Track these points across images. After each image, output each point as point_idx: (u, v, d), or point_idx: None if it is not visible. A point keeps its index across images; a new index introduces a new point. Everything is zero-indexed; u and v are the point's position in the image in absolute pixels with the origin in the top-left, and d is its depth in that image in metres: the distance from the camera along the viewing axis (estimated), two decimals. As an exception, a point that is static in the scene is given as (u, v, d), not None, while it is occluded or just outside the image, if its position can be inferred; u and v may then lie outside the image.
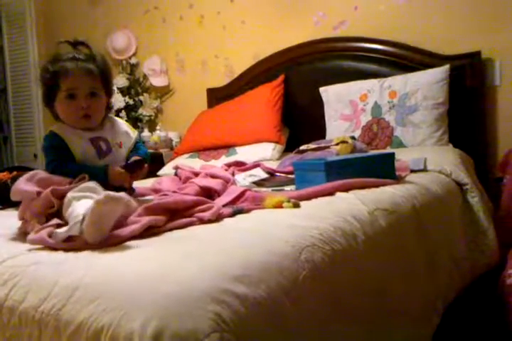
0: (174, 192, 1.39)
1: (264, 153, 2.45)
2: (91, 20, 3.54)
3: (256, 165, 1.99)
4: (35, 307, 0.76)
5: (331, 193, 1.36)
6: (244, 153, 2.48)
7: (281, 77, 2.71)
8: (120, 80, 3.29)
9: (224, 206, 1.23)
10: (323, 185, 1.39)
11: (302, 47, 2.74)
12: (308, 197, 1.31)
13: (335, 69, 2.63)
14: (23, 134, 3.83)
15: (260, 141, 2.53)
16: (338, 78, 2.55)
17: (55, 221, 1.01)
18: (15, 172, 1.71)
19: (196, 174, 1.59)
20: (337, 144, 2.08)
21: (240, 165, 1.98)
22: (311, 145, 2.17)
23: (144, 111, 3.27)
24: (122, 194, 0.93)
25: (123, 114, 3.21)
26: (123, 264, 0.81)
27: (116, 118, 1.37)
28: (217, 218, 1.12)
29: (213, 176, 1.51)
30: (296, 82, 2.73)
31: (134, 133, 1.35)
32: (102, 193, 0.92)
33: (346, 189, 1.40)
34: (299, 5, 2.79)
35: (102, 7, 3.50)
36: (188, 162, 2.57)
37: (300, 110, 2.71)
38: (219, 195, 1.37)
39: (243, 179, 1.78)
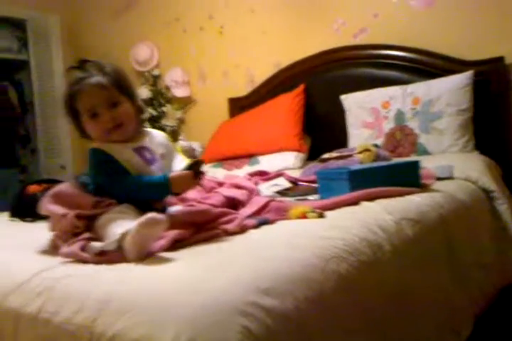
0: (199, 202, 1.41)
1: (287, 161, 2.47)
2: (113, 33, 3.62)
3: (279, 174, 2.00)
4: (69, 320, 0.79)
5: (355, 202, 1.36)
6: (267, 162, 2.50)
7: (301, 86, 2.72)
8: (143, 92, 3.35)
9: (248, 217, 1.24)
10: (348, 195, 1.39)
11: (323, 55, 2.75)
12: (333, 207, 1.31)
13: (356, 77, 2.62)
14: (50, 146, 3.92)
15: (282, 150, 2.55)
16: (360, 86, 2.54)
17: (87, 235, 1.04)
18: (45, 185, 1.75)
19: (220, 184, 1.61)
20: (360, 152, 2.08)
21: (263, 175, 1.99)
22: (334, 154, 2.17)
23: (167, 122, 3.31)
24: (162, 216, 0.95)
25: (147, 124, 3.26)
26: (153, 277, 0.82)
27: (153, 130, 1.34)
28: (242, 229, 1.13)
29: (237, 186, 1.52)
30: (318, 90, 2.74)
31: (172, 145, 1.34)
32: (146, 215, 0.93)
33: (371, 198, 1.40)
34: (319, 13, 2.81)
35: (123, 20, 3.58)
36: (211, 171, 2.59)
37: (322, 118, 2.72)
38: (243, 206, 1.38)
39: (266, 188, 1.79)
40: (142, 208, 1.15)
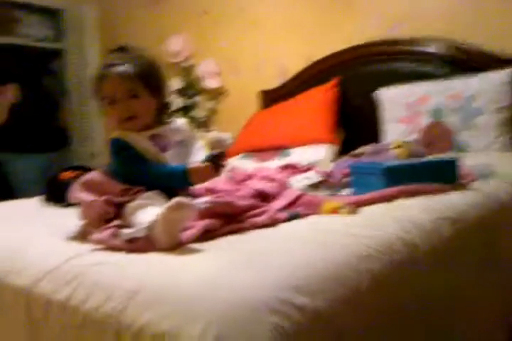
0: (228, 194, 1.40)
1: (318, 154, 2.42)
2: (147, 24, 3.62)
3: (310, 167, 1.97)
4: (98, 308, 0.78)
5: (390, 199, 1.32)
6: (298, 155, 2.46)
7: (334, 80, 2.67)
8: (175, 82, 3.36)
9: (279, 210, 1.22)
10: (382, 191, 1.35)
11: (357, 49, 2.68)
12: (366, 203, 1.28)
13: (391, 71, 2.55)
14: (83, 134, 3.98)
15: (314, 142, 2.50)
16: (395, 80, 2.47)
17: (118, 222, 1.04)
18: (78, 172, 1.76)
19: (250, 176, 1.59)
20: (395, 148, 2.02)
21: (294, 168, 1.96)
22: (368, 148, 2.12)
23: (199, 113, 3.31)
24: (190, 200, 0.94)
25: (180, 114, 3.27)
26: (182, 269, 0.81)
27: (177, 119, 1.33)
28: (273, 222, 1.11)
29: (268, 179, 1.50)
30: (352, 84, 2.68)
31: (194, 134, 1.33)
32: (172, 199, 0.93)
33: (406, 195, 1.35)
34: (355, 6, 2.74)
35: (157, 11, 3.58)
36: (241, 163, 2.58)
37: (355, 112, 2.66)
38: (274, 199, 1.36)
39: (297, 182, 1.76)
40: (169, 194, 1.15)
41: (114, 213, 1.08)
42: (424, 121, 2.29)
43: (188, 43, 3.45)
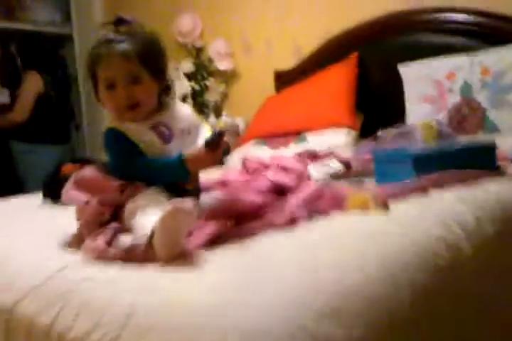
0: (242, 186, 1.26)
1: (337, 139, 2.26)
2: (157, 3, 3.45)
3: (330, 154, 1.82)
4: (87, 335, 0.66)
5: (423, 190, 1.17)
6: (315, 140, 2.31)
7: (354, 55, 2.49)
8: (186, 65, 3.20)
9: (298, 206, 1.08)
10: (413, 182, 1.20)
11: (377, 22, 2.49)
12: (398, 196, 1.13)
13: (415, 45, 2.36)
14: (94, 122, 3.85)
15: (332, 127, 2.34)
16: (419, 55, 2.28)
17: (114, 224, 0.91)
18: (80, 165, 1.64)
19: (266, 166, 1.45)
20: (422, 130, 1.86)
21: (313, 155, 1.82)
22: (391, 131, 1.96)
23: (210, 97, 3.16)
24: (189, 202, 0.80)
25: (189, 99, 3.13)
26: (185, 288, 0.68)
27: (179, 102, 1.20)
28: (292, 223, 0.98)
29: (285, 169, 1.36)
30: (371, 60, 2.49)
31: (200, 121, 1.18)
32: (169, 204, 0.80)
33: (440, 185, 1.20)
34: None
35: (166, -11, 3.40)
36: (254, 149, 2.44)
37: (375, 92, 2.48)
38: (292, 192, 1.22)
39: (317, 171, 1.62)
40: (172, 190, 1.02)
41: (111, 213, 0.96)
42: (452, 99, 2.11)
43: (199, 22, 3.28)
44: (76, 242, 0.95)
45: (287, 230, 0.93)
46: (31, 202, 1.51)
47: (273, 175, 1.29)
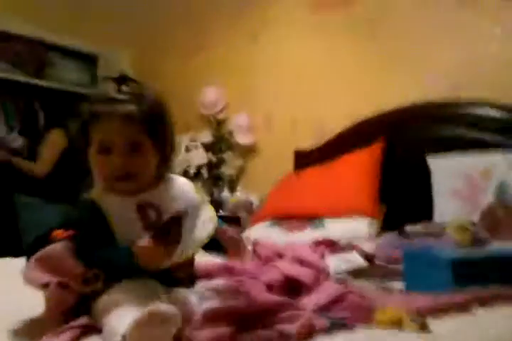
0: (252, 277, 1.07)
1: (358, 229, 2.09)
2: (183, 74, 3.47)
3: (350, 245, 1.64)
4: None
5: (464, 306, 0.97)
6: (334, 227, 2.13)
7: (381, 141, 2.38)
8: (205, 136, 3.14)
9: (314, 312, 0.88)
10: (455, 295, 1.01)
11: (408, 110, 2.41)
12: (435, 311, 0.93)
13: (445, 137, 2.27)
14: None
15: (353, 214, 2.17)
16: (449, 148, 2.19)
17: (84, 320, 0.72)
18: (71, 231, 1.47)
19: (280, 255, 1.27)
20: (454, 231, 1.68)
21: (332, 245, 1.63)
22: (420, 228, 1.79)
23: (226, 170, 3.05)
24: (170, 308, 0.63)
25: (204, 170, 3.02)
26: None
27: (179, 177, 1.02)
28: (308, 333, 0.78)
29: (302, 261, 1.17)
30: (399, 148, 2.39)
31: (203, 201, 0.99)
32: (147, 306, 0.62)
33: (485, 302, 1.00)
34: (409, 60, 2.48)
35: (194, 61, 3.43)
36: (268, 231, 2.26)
37: (401, 181, 2.34)
38: (308, 291, 1.03)
39: (336, 265, 1.43)
40: (159, 279, 0.85)
41: (77, 300, 0.78)
42: (485, 199, 1.95)
43: (223, 95, 3.26)
44: (35, 330, 0.76)
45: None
46: (14, 265, 1.32)
47: (287, 268, 1.11)
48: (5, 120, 3.17)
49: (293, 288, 1.06)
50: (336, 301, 0.93)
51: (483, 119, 2.23)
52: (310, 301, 0.94)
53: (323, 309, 0.91)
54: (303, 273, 1.05)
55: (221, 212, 2.79)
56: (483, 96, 2.21)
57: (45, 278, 0.78)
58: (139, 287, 0.78)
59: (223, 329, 0.73)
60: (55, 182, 2.96)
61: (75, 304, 0.78)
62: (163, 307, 0.62)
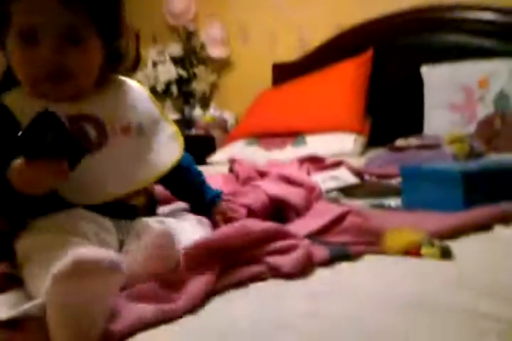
0: (228, 200, 0.90)
1: (343, 145, 1.92)
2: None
3: (338, 162, 1.47)
4: None
5: (484, 225, 0.83)
6: (316, 144, 1.96)
7: (369, 51, 2.15)
8: (175, 49, 2.84)
9: (311, 238, 0.72)
10: (473, 212, 0.86)
11: (401, 15, 2.16)
12: (453, 232, 0.78)
13: (441, 44, 2.05)
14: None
15: (337, 130, 2.00)
16: (445, 56, 1.98)
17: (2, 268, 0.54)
18: None
19: (262, 173, 1.09)
20: (451, 142, 1.53)
21: (318, 162, 1.47)
22: (413, 141, 1.63)
23: (198, 86, 2.79)
24: (104, 252, 0.45)
25: (174, 87, 2.76)
26: None
27: (131, 81, 0.80)
28: (306, 266, 0.62)
29: (288, 180, 1.00)
30: (388, 59, 2.17)
31: (159, 111, 0.78)
32: (69, 253, 0.44)
33: (505, 219, 0.86)
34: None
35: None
36: (245, 150, 2.08)
37: (389, 94, 2.15)
38: (298, 214, 0.87)
39: (322, 182, 1.27)
40: (108, 210, 0.67)
41: None
42: (483, 110, 1.79)
43: (193, 3, 2.91)
44: None
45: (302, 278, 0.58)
46: None
47: (271, 187, 0.94)
48: None
49: (279, 211, 0.90)
50: (333, 223, 0.78)
51: (480, 24, 2.02)
52: (303, 226, 0.78)
53: (318, 234, 0.76)
54: (291, 194, 0.89)
55: (193, 131, 2.58)
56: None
57: None
58: (66, 224, 0.59)
59: (209, 276, 0.56)
60: None
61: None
62: (92, 252, 0.44)
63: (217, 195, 0.86)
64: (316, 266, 0.64)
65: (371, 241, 0.70)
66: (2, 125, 0.66)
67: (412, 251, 0.66)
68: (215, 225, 0.78)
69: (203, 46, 2.85)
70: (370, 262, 0.66)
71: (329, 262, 0.65)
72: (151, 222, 0.61)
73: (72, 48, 0.68)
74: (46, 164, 0.56)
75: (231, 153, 2.07)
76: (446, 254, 0.65)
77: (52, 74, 0.67)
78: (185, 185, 0.84)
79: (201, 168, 0.93)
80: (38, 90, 0.69)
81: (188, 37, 2.91)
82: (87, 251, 0.45)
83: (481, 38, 1.99)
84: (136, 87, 0.79)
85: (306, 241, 0.66)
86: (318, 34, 2.43)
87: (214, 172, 1.45)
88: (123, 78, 0.79)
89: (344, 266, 0.64)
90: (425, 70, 1.98)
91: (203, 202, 0.84)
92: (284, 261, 0.61)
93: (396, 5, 2.17)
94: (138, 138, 0.73)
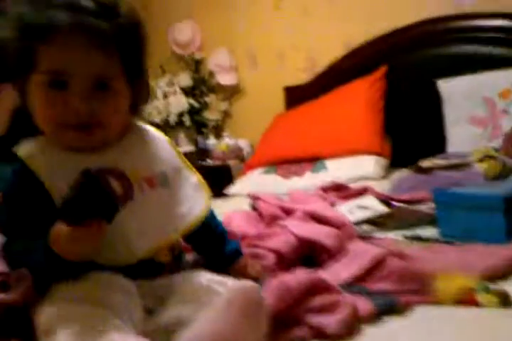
0: (254, 245, 0.84)
1: (364, 168, 1.85)
2: (151, 9, 3.09)
3: (363, 189, 1.41)
4: None
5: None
6: (337, 168, 1.90)
7: (382, 68, 2.10)
8: (183, 79, 2.82)
9: (349, 286, 0.66)
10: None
11: (411, 28, 2.11)
12: (505, 271, 0.71)
13: (458, 56, 1.98)
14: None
15: (357, 153, 1.93)
16: (463, 68, 1.91)
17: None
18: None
19: (287, 211, 1.03)
20: (480, 161, 1.46)
21: (341, 190, 1.40)
22: (438, 161, 1.56)
23: (210, 115, 2.76)
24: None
25: (186, 118, 2.73)
26: None
27: (149, 127, 0.75)
28: (352, 326, 0.56)
29: (316, 217, 0.94)
30: (403, 74, 2.10)
31: (180, 159, 0.73)
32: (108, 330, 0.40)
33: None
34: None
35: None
36: (262, 179, 2.03)
37: (407, 111, 2.08)
38: (330, 256, 0.80)
39: (349, 212, 1.20)
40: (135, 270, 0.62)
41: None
42: (508, 122, 1.71)
43: (198, 31, 2.91)
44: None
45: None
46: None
47: (299, 227, 0.87)
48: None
49: (309, 253, 0.83)
50: (372, 268, 0.71)
51: (496, 32, 1.95)
52: (339, 272, 0.71)
53: (356, 280, 0.69)
54: (322, 234, 0.82)
55: (208, 162, 2.54)
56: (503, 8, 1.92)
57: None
58: (93, 294, 0.53)
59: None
60: (9, 143, 2.66)
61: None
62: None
63: (237, 250, 0.79)
64: (362, 322, 0.58)
65: (418, 290, 0.64)
66: (25, 187, 0.62)
67: (467, 299, 0.59)
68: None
69: (211, 74, 2.84)
70: (422, 315, 0.59)
71: (378, 314, 0.58)
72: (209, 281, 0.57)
73: (101, 94, 0.63)
74: (91, 226, 0.54)
75: (249, 183, 2.02)
76: (506, 301, 0.58)
77: (82, 123, 0.62)
78: (205, 239, 0.78)
79: (220, 202, 0.87)
80: (60, 139, 0.64)
81: (196, 66, 2.90)
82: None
83: (499, 47, 1.93)
84: (156, 134, 0.75)
85: (350, 297, 0.60)
86: (327, 54, 2.39)
87: (233, 207, 1.40)
88: (142, 124, 0.74)
89: (394, 322, 0.58)
90: (442, 84, 1.92)
91: (222, 257, 0.77)
92: (329, 322, 0.55)
93: (403, 20, 2.12)
94: (162, 189, 0.68)
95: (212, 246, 0.78)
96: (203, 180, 0.74)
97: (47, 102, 0.62)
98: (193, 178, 0.73)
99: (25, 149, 0.65)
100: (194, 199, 0.71)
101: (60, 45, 0.60)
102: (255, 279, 0.66)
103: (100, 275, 0.56)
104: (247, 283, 0.49)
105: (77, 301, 0.51)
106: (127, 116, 0.69)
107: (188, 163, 0.75)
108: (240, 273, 0.73)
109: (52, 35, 0.59)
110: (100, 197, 0.53)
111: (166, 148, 0.73)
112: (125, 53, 0.64)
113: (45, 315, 0.51)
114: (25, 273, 0.57)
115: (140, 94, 0.70)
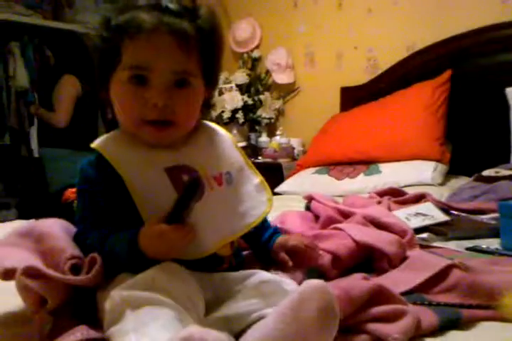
0: (308, 246, 0.83)
1: (421, 174, 1.80)
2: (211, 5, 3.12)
3: (421, 195, 1.37)
4: None
5: None
6: (392, 173, 1.85)
7: (447, 72, 2.03)
8: (240, 76, 2.83)
9: (412, 295, 0.64)
10: None
11: (478, 33, 2.03)
12: None
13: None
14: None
15: (415, 158, 1.88)
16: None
17: (82, 333, 0.50)
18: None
19: (346, 214, 1.01)
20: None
21: (398, 195, 1.37)
22: (502, 171, 1.49)
23: (264, 113, 2.76)
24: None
25: (240, 114, 2.75)
26: None
27: (215, 125, 0.77)
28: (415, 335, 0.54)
29: (376, 222, 0.92)
30: (467, 80, 2.03)
31: (243, 158, 0.75)
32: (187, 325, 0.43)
33: None
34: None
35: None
36: (314, 179, 2.01)
37: (471, 118, 2.01)
38: (391, 264, 0.78)
39: (406, 219, 1.17)
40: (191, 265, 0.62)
41: (59, 298, 0.57)
42: None
43: (258, 30, 2.91)
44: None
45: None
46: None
47: (358, 232, 0.85)
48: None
49: (368, 259, 0.81)
50: (436, 278, 0.68)
51: None
52: (401, 280, 0.69)
53: (419, 290, 0.67)
54: (383, 240, 0.80)
55: (260, 159, 2.54)
56: None
57: (11, 260, 0.56)
58: (158, 284, 0.54)
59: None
60: (76, 131, 2.75)
61: (66, 299, 0.56)
62: (200, 334, 0.39)
63: (276, 230, 0.82)
64: (423, 333, 0.56)
65: (485, 304, 0.61)
66: (102, 179, 0.65)
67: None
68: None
69: (268, 73, 2.84)
70: (488, 331, 0.56)
71: (439, 327, 0.56)
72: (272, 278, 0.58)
73: (180, 91, 0.65)
74: (186, 226, 0.58)
75: (300, 182, 2.01)
76: None
77: (159, 119, 0.64)
78: (256, 234, 0.79)
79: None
80: (139, 133, 0.66)
81: (252, 64, 2.91)
82: (196, 332, 0.40)
83: None
84: (222, 133, 0.76)
85: (413, 307, 0.58)
86: (388, 55, 2.34)
87: (284, 205, 1.39)
88: (209, 123, 0.76)
89: (456, 336, 0.55)
90: (510, 91, 1.83)
91: (263, 239, 0.79)
92: (390, 330, 0.53)
93: (469, 24, 2.04)
94: (228, 188, 0.69)
95: (259, 235, 0.79)
96: (265, 182, 0.75)
97: (127, 98, 0.64)
98: (256, 179, 0.74)
99: (103, 143, 0.67)
100: (256, 199, 0.72)
101: (144, 42, 0.62)
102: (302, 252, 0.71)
103: (165, 266, 0.57)
104: (320, 282, 0.48)
105: (144, 290, 0.52)
106: (199, 114, 0.70)
107: (251, 164, 0.75)
108: (282, 247, 0.75)
109: (137, 33, 0.62)
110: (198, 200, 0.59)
111: (230, 147, 0.74)
112: (204, 52, 0.66)
113: (112, 301, 0.52)
114: (97, 258, 0.59)
115: (213, 93, 0.72)
